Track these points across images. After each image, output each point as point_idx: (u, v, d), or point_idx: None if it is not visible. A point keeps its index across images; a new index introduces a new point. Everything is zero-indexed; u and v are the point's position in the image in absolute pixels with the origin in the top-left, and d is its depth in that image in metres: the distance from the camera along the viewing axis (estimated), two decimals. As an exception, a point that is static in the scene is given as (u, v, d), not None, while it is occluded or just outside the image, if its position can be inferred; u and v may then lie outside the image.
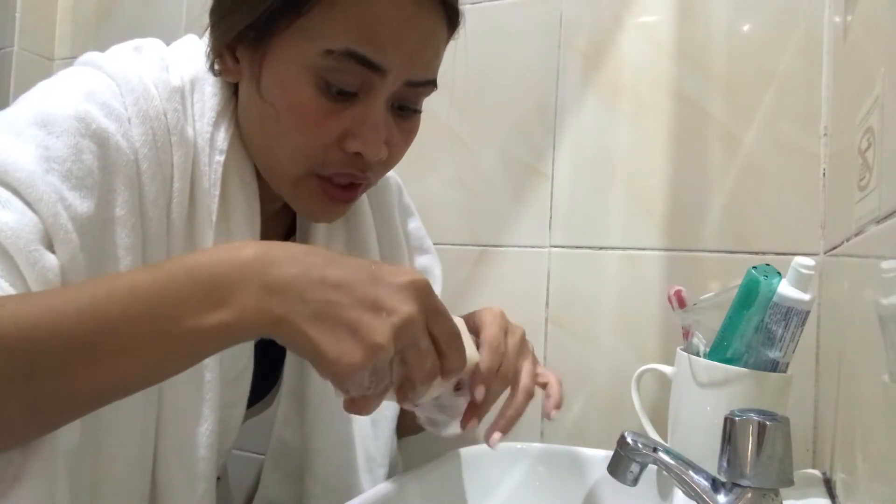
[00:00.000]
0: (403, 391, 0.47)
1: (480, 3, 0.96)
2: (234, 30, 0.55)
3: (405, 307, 0.42)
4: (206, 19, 0.58)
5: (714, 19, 0.83)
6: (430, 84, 0.59)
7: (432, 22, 0.56)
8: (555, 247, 0.90)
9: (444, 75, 0.61)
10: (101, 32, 1.27)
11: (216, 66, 0.58)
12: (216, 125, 0.58)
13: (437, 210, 0.95)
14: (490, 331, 0.59)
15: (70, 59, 1.29)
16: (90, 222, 0.48)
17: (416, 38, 0.55)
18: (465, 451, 0.71)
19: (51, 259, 0.44)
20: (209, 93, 0.58)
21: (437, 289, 0.80)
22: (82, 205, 0.48)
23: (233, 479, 0.87)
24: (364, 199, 0.73)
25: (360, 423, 0.70)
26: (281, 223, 0.71)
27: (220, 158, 0.58)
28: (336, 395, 0.46)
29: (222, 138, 0.58)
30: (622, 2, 0.88)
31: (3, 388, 0.37)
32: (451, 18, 0.59)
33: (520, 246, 0.92)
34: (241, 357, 0.63)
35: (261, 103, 0.56)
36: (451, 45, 0.61)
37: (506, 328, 0.61)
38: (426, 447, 0.76)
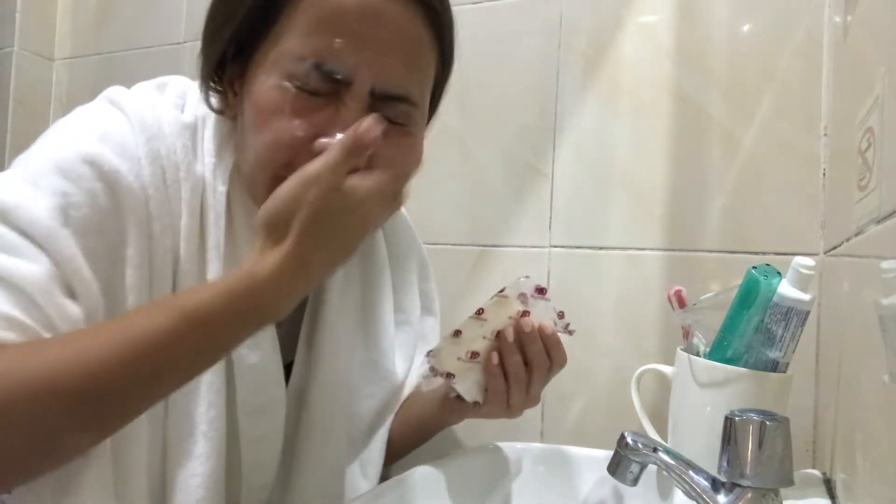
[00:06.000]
0: None
1: (480, 3, 0.96)
2: (217, 54, 0.57)
3: None
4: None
5: (714, 19, 0.83)
6: (402, 100, 0.55)
7: (409, 28, 0.54)
8: (555, 247, 0.90)
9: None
10: (101, 32, 1.27)
11: (214, 102, 0.60)
12: (219, 157, 0.59)
13: (437, 210, 0.95)
14: None
15: (70, 59, 1.30)
16: (104, 263, 0.51)
17: (383, 39, 0.53)
18: (466, 451, 0.71)
19: (74, 310, 0.49)
20: (214, 126, 0.60)
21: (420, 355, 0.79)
22: (97, 249, 0.51)
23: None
24: (382, 247, 0.75)
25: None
26: None
27: (223, 189, 0.58)
28: None
29: (223, 168, 0.59)
30: (622, 2, 0.88)
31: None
32: (443, 52, 0.59)
33: (520, 246, 0.92)
34: (267, 387, 0.62)
35: (244, 120, 0.56)
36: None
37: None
38: (426, 448, 0.76)
